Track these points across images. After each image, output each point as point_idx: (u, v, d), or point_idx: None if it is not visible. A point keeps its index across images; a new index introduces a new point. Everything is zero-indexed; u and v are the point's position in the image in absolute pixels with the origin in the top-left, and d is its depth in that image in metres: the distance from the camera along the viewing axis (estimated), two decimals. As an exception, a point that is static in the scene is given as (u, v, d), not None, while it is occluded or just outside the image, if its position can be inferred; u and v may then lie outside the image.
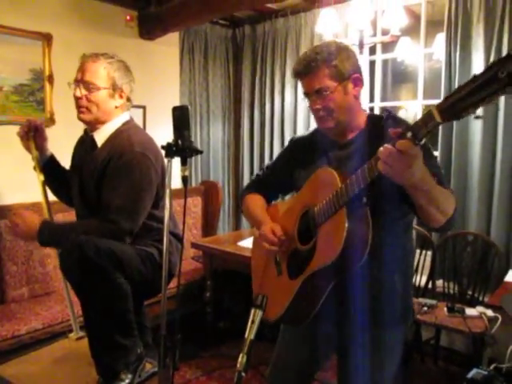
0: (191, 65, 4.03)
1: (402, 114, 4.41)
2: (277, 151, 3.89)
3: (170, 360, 1.27)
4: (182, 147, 1.34)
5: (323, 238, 1.31)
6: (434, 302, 2.70)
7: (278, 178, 1.63)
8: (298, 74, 1.40)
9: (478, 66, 2.90)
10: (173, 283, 1.88)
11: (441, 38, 3.11)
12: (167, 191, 1.37)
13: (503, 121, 2.82)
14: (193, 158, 1.43)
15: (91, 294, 1.64)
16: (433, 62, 3.47)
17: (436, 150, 3.13)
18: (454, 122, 2.97)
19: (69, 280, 1.77)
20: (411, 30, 3.28)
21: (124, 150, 1.74)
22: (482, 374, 2.04)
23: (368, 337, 1.37)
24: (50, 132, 3.01)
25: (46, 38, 3.08)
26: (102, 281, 1.61)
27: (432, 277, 3.00)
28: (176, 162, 1.35)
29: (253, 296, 1.59)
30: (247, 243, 2.92)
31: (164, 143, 1.36)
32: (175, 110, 1.37)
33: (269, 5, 3.64)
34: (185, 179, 1.35)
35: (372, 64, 3.58)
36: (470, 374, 2.04)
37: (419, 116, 3.43)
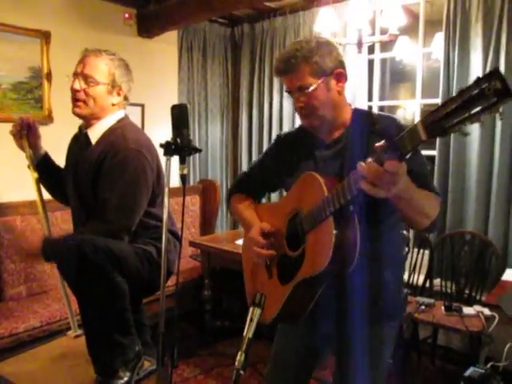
0: (190, 63, 4.03)
1: (400, 114, 4.42)
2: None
3: (169, 358, 1.27)
4: (181, 146, 1.34)
5: (311, 247, 1.30)
6: (431, 300, 2.71)
7: (265, 177, 1.61)
8: (279, 73, 1.37)
9: (476, 65, 2.90)
10: (171, 281, 1.88)
11: (439, 38, 3.12)
12: (166, 190, 1.37)
13: (501, 121, 2.82)
14: (191, 156, 1.43)
15: (89, 293, 1.64)
16: (431, 62, 3.48)
17: (434, 149, 3.14)
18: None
19: (66, 279, 1.76)
20: (410, 30, 3.29)
21: (119, 147, 1.72)
22: (479, 372, 2.05)
23: (362, 334, 1.37)
24: (48, 130, 3.02)
25: (45, 36, 3.07)
26: (100, 279, 1.61)
27: (429, 276, 3.01)
28: (174, 160, 1.35)
29: (247, 298, 1.60)
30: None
31: (162, 141, 1.36)
32: (174, 108, 1.36)
33: (267, 3, 3.64)
34: (183, 178, 1.35)
35: (370, 63, 3.58)
36: (467, 373, 2.05)
37: (417, 116, 3.45)
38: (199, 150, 1.41)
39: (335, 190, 1.19)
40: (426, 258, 3.03)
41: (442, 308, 2.62)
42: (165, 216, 1.34)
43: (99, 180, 1.74)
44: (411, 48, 3.36)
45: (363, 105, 3.48)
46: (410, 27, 3.27)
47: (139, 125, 3.57)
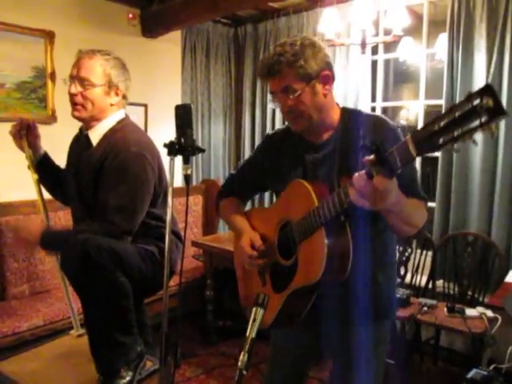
0: (193, 63, 4.03)
1: (403, 114, 4.41)
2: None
3: (172, 358, 1.27)
4: (185, 145, 1.33)
5: (304, 258, 1.29)
6: (434, 302, 2.70)
7: (254, 178, 1.59)
8: (262, 77, 1.34)
9: (480, 66, 2.90)
10: (173, 281, 1.88)
11: (443, 38, 3.11)
12: (169, 190, 1.37)
13: (505, 121, 2.81)
14: (194, 156, 1.42)
15: (92, 293, 1.64)
16: (435, 62, 3.47)
17: (437, 150, 3.13)
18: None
19: (69, 278, 1.76)
20: (413, 30, 3.28)
21: (120, 148, 1.72)
22: (482, 374, 2.04)
23: (356, 334, 1.38)
24: (51, 129, 3.03)
25: (49, 36, 3.08)
26: (103, 280, 1.61)
27: (432, 277, 3.01)
28: (177, 160, 1.35)
29: (240, 301, 1.63)
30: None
31: (166, 141, 1.35)
32: (178, 108, 1.36)
33: (271, 4, 3.64)
34: (187, 177, 1.35)
35: (374, 64, 3.58)
36: (470, 375, 2.04)
37: (421, 117, 3.44)
38: (203, 150, 1.40)
39: (326, 201, 1.18)
40: (429, 259, 3.02)
41: (445, 309, 2.62)
42: (168, 217, 1.34)
43: (100, 181, 1.73)
44: (415, 49, 3.35)
45: (366, 105, 3.47)
46: (414, 28, 3.26)
47: (142, 125, 3.57)
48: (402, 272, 3.05)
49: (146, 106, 3.65)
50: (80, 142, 1.89)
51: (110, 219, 1.67)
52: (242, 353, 1.08)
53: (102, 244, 1.61)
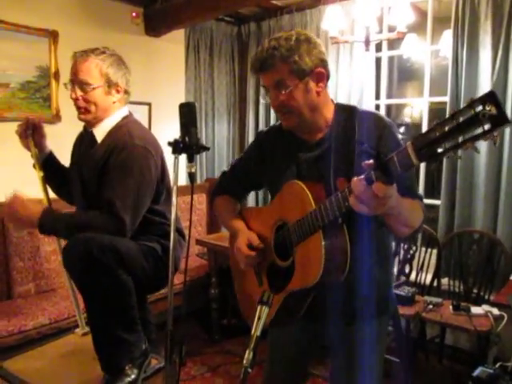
0: (196, 62, 4.03)
1: (407, 112, 4.40)
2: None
3: (177, 356, 1.27)
4: (190, 144, 1.33)
5: (301, 260, 1.28)
6: (439, 300, 2.69)
7: (247, 176, 1.57)
8: (255, 71, 1.32)
9: (485, 63, 2.88)
10: (177, 279, 1.88)
11: (448, 35, 3.09)
12: (174, 188, 1.36)
13: (510, 116, 2.79)
14: (198, 155, 1.42)
15: (94, 291, 1.64)
16: (439, 59, 3.45)
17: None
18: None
19: (72, 276, 1.77)
20: (418, 27, 3.27)
21: (125, 144, 1.72)
22: (488, 372, 2.03)
23: (355, 331, 1.38)
24: (55, 129, 3.04)
25: (53, 35, 3.09)
26: (106, 277, 1.61)
27: (437, 275, 3.00)
28: (181, 158, 1.35)
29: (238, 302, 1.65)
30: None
31: (170, 140, 1.35)
32: (182, 106, 1.35)
33: (274, 1, 3.64)
34: (191, 176, 1.34)
35: (378, 61, 3.56)
36: (476, 373, 2.03)
37: (425, 114, 3.42)
38: (207, 149, 1.40)
39: (324, 204, 1.17)
40: (434, 257, 3.01)
41: (450, 307, 2.61)
42: (173, 215, 1.34)
43: (104, 177, 1.74)
44: (419, 46, 3.34)
45: (370, 103, 3.46)
46: (418, 24, 3.25)
47: (146, 123, 3.58)
48: (407, 270, 3.04)
49: (149, 104, 3.65)
50: (84, 140, 1.89)
51: (114, 214, 1.67)
52: (247, 351, 1.08)
53: (104, 242, 1.61)
